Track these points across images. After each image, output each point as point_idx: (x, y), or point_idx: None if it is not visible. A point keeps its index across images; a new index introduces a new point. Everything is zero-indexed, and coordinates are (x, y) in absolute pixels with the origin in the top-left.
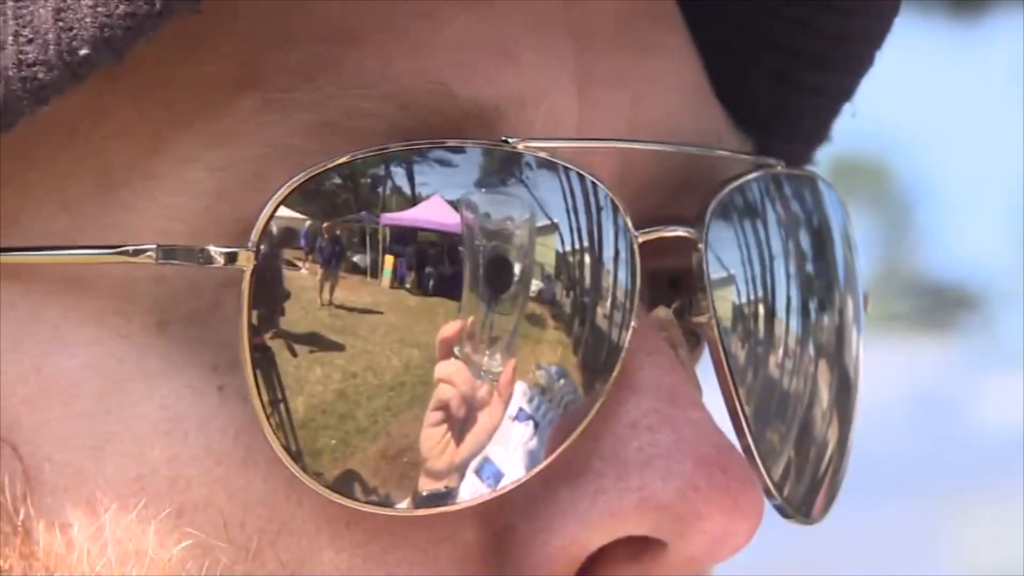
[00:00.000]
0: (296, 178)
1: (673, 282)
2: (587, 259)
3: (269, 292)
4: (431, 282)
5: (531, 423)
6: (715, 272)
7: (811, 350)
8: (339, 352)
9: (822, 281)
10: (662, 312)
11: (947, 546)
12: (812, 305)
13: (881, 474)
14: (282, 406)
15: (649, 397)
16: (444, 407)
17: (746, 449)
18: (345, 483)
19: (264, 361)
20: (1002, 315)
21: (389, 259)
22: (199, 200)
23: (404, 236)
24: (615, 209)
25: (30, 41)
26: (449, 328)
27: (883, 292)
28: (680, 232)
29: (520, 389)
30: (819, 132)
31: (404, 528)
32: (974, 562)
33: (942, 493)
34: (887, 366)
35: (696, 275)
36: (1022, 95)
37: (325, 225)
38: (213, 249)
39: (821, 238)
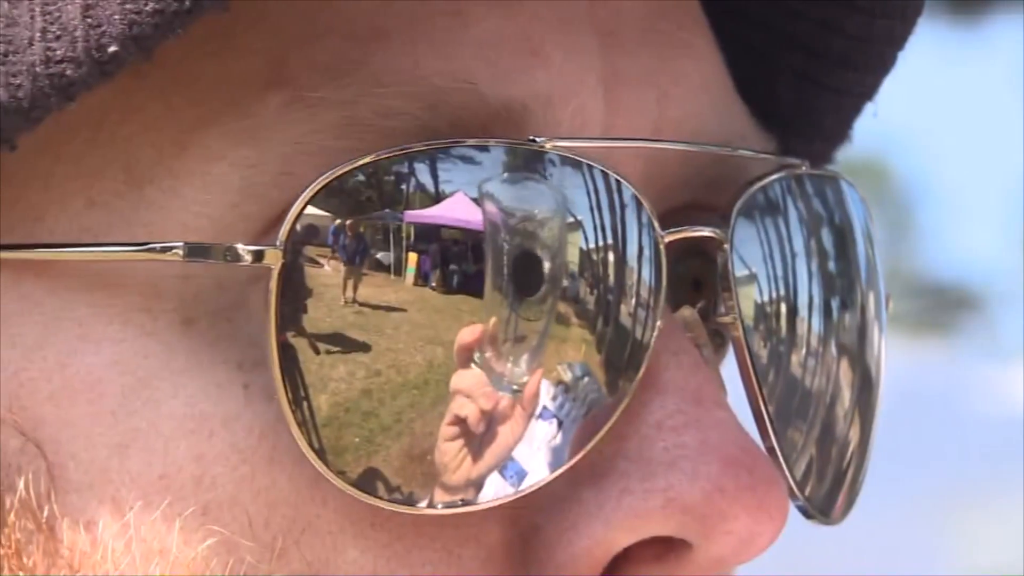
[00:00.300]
0: (323, 176)
1: (696, 282)
2: (613, 258)
3: (296, 290)
4: (457, 280)
5: (556, 423)
6: (740, 272)
7: (835, 350)
8: (366, 350)
9: (845, 282)
10: (687, 312)
11: (947, 545)
12: (835, 306)
13: (881, 473)
14: (309, 404)
15: (674, 397)
16: (468, 406)
17: (770, 449)
18: (370, 481)
19: (291, 359)
20: (1002, 315)
21: (416, 257)
22: (225, 197)
23: (430, 234)
24: (641, 208)
25: (58, 38)
26: (473, 327)
27: None
28: (706, 232)
29: (545, 388)
30: (841, 132)
31: (429, 528)
32: (974, 562)
33: (942, 493)
34: (887, 366)
35: (722, 275)
36: (1022, 95)
37: (353, 223)
38: (241, 247)
39: (844, 238)
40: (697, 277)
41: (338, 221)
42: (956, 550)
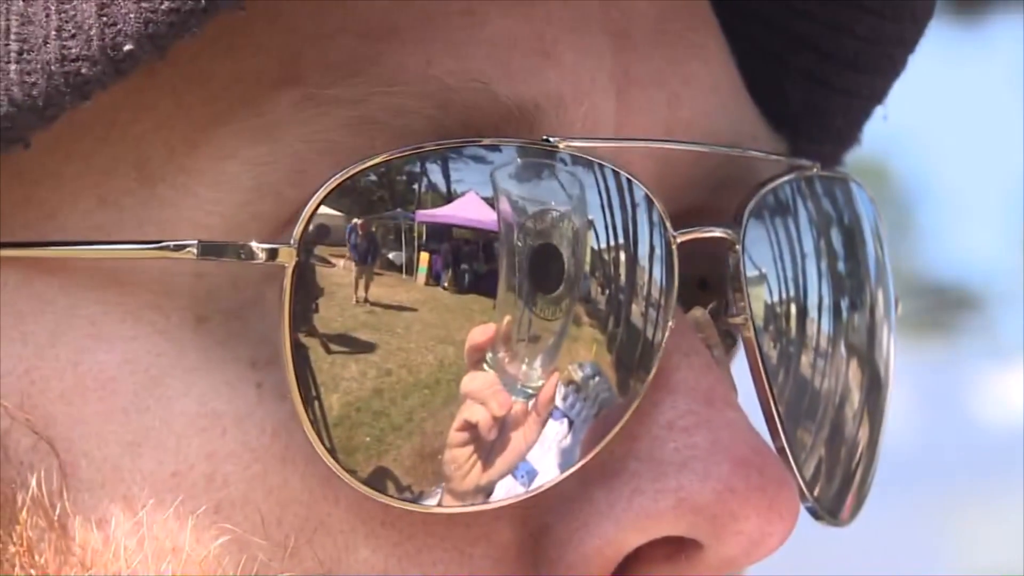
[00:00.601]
0: (338, 175)
1: (703, 282)
2: (625, 258)
3: (310, 289)
4: (469, 279)
5: (567, 423)
6: (751, 273)
7: (845, 351)
8: (379, 349)
9: (855, 283)
10: (698, 312)
11: (947, 545)
12: (845, 306)
13: (881, 473)
14: (322, 403)
15: (686, 398)
16: (479, 406)
17: (780, 450)
18: (382, 480)
19: (304, 357)
20: (1002, 315)
21: (428, 257)
22: (237, 195)
23: (442, 234)
24: (653, 208)
25: (73, 36)
26: (484, 327)
27: None
28: (717, 233)
29: (557, 389)
30: (850, 134)
31: (440, 527)
32: (974, 562)
33: (942, 492)
34: None
35: (733, 276)
36: (1022, 96)
37: (366, 222)
38: (255, 245)
39: (854, 240)
40: (705, 277)
41: (353, 220)
42: (956, 550)
